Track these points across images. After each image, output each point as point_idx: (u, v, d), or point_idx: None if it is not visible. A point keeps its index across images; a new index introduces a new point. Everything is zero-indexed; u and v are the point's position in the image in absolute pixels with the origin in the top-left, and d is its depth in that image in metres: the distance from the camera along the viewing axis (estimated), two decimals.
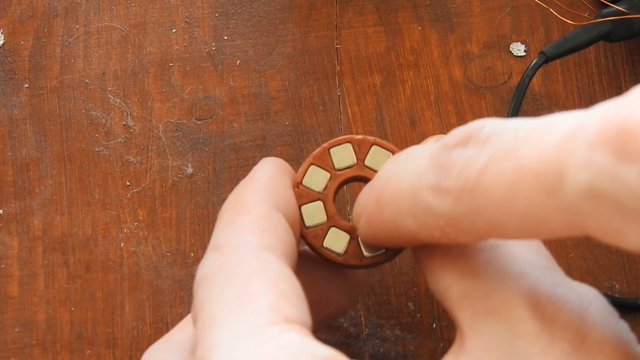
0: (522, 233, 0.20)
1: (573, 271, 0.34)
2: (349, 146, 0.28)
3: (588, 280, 0.34)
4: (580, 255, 0.34)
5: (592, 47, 0.36)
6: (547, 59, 0.34)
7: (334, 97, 0.36)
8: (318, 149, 0.28)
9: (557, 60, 0.36)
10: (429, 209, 0.22)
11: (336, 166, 0.28)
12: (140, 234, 0.35)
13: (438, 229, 0.22)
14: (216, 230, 0.25)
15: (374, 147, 0.28)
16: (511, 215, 0.20)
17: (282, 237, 0.24)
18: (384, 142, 0.28)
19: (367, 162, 0.28)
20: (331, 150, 0.28)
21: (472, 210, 0.20)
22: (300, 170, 0.28)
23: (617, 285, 0.34)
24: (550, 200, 0.19)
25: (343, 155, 0.28)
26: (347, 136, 0.28)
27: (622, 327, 0.22)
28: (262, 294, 0.22)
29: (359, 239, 0.27)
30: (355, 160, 0.28)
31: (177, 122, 0.36)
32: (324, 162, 0.28)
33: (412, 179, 0.22)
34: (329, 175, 0.28)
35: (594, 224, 0.18)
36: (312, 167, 0.28)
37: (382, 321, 0.34)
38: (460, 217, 0.21)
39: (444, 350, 0.33)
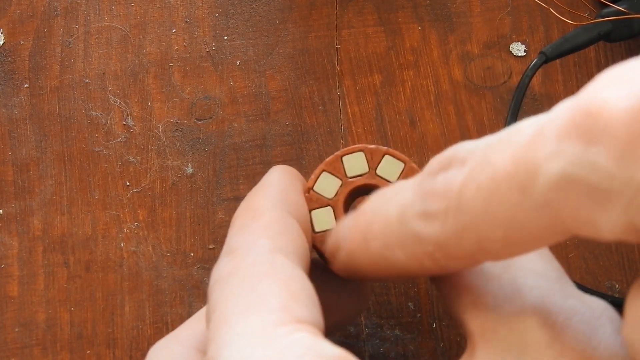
0: (508, 246, 0.20)
1: (573, 271, 0.34)
2: (361, 155, 0.28)
3: (588, 280, 0.34)
4: (580, 255, 0.34)
5: (592, 47, 0.36)
6: (547, 59, 0.34)
7: (334, 97, 0.36)
8: (331, 157, 0.28)
9: (557, 60, 0.36)
10: (417, 237, 0.22)
11: (348, 174, 0.28)
12: (140, 234, 0.35)
13: (427, 257, 0.22)
14: (229, 236, 0.25)
15: (387, 157, 0.28)
16: (494, 226, 0.20)
17: (295, 240, 0.24)
18: (396, 153, 0.28)
19: (378, 171, 0.28)
20: (344, 158, 0.28)
21: (458, 229, 0.20)
22: (312, 176, 0.28)
23: (617, 285, 0.34)
24: (526, 199, 0.19)
25: (355, 164, 0.28)
26: (361, 145, 0.28)
27: None
28: (272, 294, 0.22)
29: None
30: (367, 169, 0.28)
31: (177, 122, 0.36)
32: (336, 169, 0.28)
33: (398, 210, 0.23)
34: (340, 182, 0.28)
35: (570, 216, 0.18)
36: (324, 173, 0.28)
37: (382, 321, 0.34)
38: (448, 240, 0.21)
39: (444, 350, 0.33)
